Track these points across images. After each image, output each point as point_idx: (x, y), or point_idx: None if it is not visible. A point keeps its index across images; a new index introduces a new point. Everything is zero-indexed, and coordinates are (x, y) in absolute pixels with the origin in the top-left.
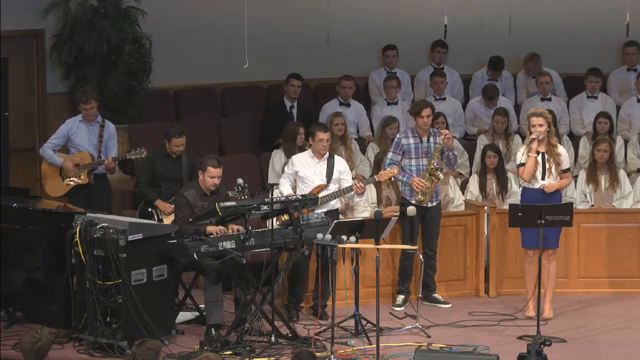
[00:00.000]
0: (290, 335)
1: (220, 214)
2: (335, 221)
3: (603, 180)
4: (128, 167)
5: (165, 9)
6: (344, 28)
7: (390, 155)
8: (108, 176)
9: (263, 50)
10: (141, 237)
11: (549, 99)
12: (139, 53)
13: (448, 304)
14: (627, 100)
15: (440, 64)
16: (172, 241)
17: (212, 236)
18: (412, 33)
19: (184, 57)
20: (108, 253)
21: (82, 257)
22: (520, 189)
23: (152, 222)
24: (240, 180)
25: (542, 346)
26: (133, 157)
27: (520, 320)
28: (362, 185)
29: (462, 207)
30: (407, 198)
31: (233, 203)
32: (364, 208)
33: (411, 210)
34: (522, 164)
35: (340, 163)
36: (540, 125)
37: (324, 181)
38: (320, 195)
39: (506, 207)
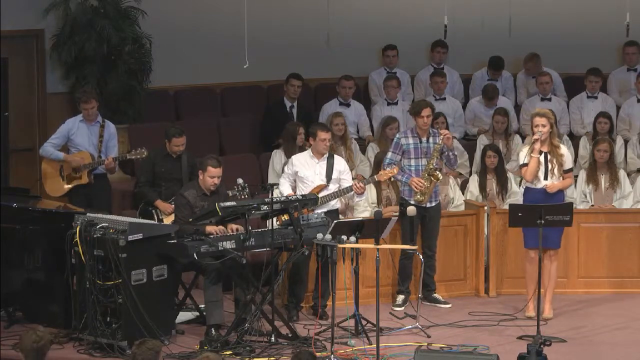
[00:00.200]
0: (290, 335)
1: (220, 214)
2: (335, 221)
3: (603, 180)
4: (128, 167)
5: (165, 9)
6: (344, 28)
7: (389, 155)
8: (108, 176)
9: (263, 50)
10: (141, 237)
11: (549, 99)
12: (139, 53)
13: (448, 304)
14: (627, 100)
15: (440, 64)
16: (172, 241)
17: (212, 236)
18: (412, 33)
19: (184, 57)
20: (108, 253)
21: (82, 257)
22: (521, 188)
23: (152, 222)
24: (240, 180)
25: (542, 346)
26: (133, 157)
27: (520, 320)
28: (362, 185)
29: (462, 207)
30: (406, 198)
31: (233, 203)
32: (364, 208)
33: (411, 210)
34: (525, 164)
35: (339, 163)
36: (543, 126)
37: (323, 181)
38: (320, 195)
39: (506, 207)
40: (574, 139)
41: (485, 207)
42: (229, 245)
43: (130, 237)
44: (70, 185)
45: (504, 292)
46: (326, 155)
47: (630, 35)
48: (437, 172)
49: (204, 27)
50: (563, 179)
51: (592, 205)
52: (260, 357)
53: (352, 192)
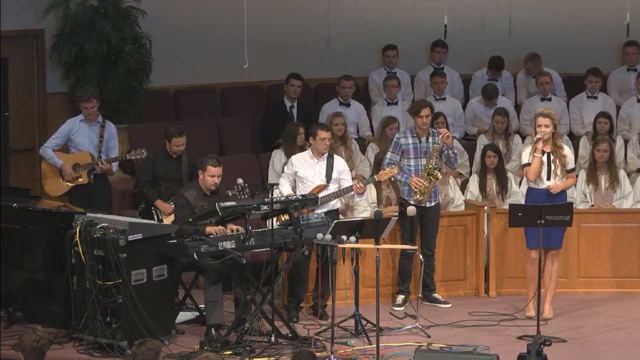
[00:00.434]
0: (290, 335)
1: (220, 214)
2: (335, 221)
3: (603, 180)
4: (128, 167)
5: (165, 9)
6: (344, 28)
7: (389, 155)
8: (108, 176)
9: (263, 50)
10: (141, 237)
11: (549, 99)
12: (139, 53)
13: (448, 304)
14: (627, 100)
15: (440, 64)
16: (172, 241)
17: (212, 236)
18: (412, 33)
19: (184, 57)
20: (108, 253)
21: (82, 257)
22: (521, 188)
23: (152, 222)
24: (240, 180)
25: (542, 346)
26: (133, 157)
27: (520, 320)
28: (362, 185)
29: (462, 207)
30: (406, 198)
31: (233, 203)
32: (364, 208)
33: (411, 210)
34: (528, 164)
35: (339, 163)
36: (547, 126)
37: (323, 181)
38: (320, 195)
39: (506, 207)
40: (574, 139)
41: (485, 207)
42: (229, 245)
43: (130, 237)
44: (69, 185)
45: (504, 292)
46: (326, 155)
47: (630, 35)
48: (437, 172)
49: (204, 27)
50: (566, 179)
51: (592, 205)
52: (260, 357)
53: (353, 192)
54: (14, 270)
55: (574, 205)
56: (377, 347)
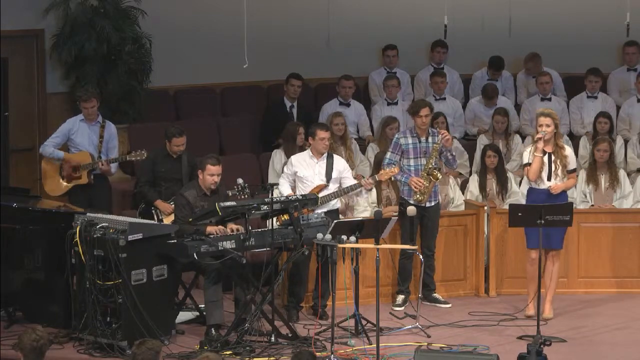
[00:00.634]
0: (290, 335)
1: (220, 213)
2: (335, 221)
3: (603, 180)
4: (128, 167)
5: (165, 9)
6: (344, 28)
7: (388, 155)
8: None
9: (263, 50)
10: (141, 237)
11: (549, 99)
12: (139, 53)
13: (448, 303)
14: (627, 100)
15: (440, 64)
16: (172, 241)
17: (212, 236)
18: (412, 33)
19: (184, 57)
20: (108, 253)
21: (82, 257)
22: (521, 188)
23: (152, 222)
24: (240, 180)
25: (542, 346)
26: (133, 158)
27: (520, 320)
28: (372, 181)
29: (462, 207)
30: (406, 198)
31: (233, 203)
32: (363, 208)
33: (411, 210)
34: (528, 164)
35: (339, 162)
36: (548, 126)
37: (323, 181)
38: (320, 195)
39: (506, 207)
40: (574, 139)
41: (485, 207)
42: (229, 245)
43: (130, 237)
44: (69, 185)
45: (504, 292)
46: (326, 155)
47: (630, 35)
48: (436, 172)
49: (204, 27)
50: (567, 179)
51: (592, 205)
52: (260, 357)
53: (359, 189)
54: (14, 270)
55: (574, 205)
56: (377, 347)
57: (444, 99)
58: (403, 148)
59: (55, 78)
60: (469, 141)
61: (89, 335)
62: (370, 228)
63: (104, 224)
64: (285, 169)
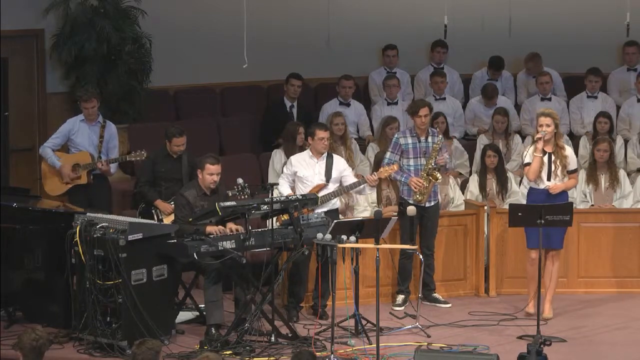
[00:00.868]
0: (290, 335)
1: (220, 213)
2: (335, 221)
3: (603, 180)
4: (128, 167)
5: (165, 9)
6: (344, 28)
7: (388, 155)
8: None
9: (263, 50)
10: (141, 237)
11: (549, 99)
12: (139, 53)
13: (448, 303)
14: (627, 100)
15: (440, 63)
16: (172, 241)
17: (212, 236)
18: (412, 33)
19: (184, 57)
20: (108, 253)
21: (82, 257)
22: (521, 188)
23: (152, 222)
24: (240, 180)
25: (542, 346)
26: (133, 159)
27: (520, 320)
28: (375, 177)
29: (462, 207)
30: (405, 198)
31: (233, 203)
32: (363, 208)
33: (411, 210)
34: (528, 164)
35: (339, 162)
36: (548, 126)
37: (323, 180)
38: (320, 194)
39: (506, 207)
40: (574, 139)
41: (485, 207)
42: (229, 245)
43: (130, 237)
44: (69, 185)
45: (504, 292)
46: (325, 155)
47: (630, 35)
48: (436, 172)
49: (204, 27)
50: (567, 179)
51: (592, 205)
52: (260, 357)
53: (362, 186)
54: (14, 270)
55: (574, 205)
56: (377, 347)
57: (444, 99)
58: (403, 148)
59: (55, 78)
60: (469, 141)
61: (89, 335)
62: (370, 228)
63: (104, 224)
64: (284, 169)
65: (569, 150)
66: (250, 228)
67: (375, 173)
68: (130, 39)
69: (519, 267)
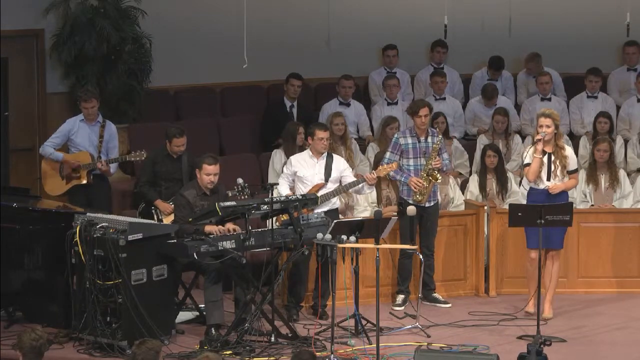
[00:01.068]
0: (290, 335)
1: (220, 213)
2: (335, 221)
3: (603, 180)
4: (128, 167)
5: (165, 9)
6: (344, 28)
7: (388, 155)
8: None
9: (263, 50)
10: (141, 237)
11: (549, 99)
12: (139, 53)
13: (448, 303)
14: (627, 100)
15: (440, 63)
16: (172, 241)
17: (211, 236)
18: (412, 33)
19: (184, 57)
20: (108, 253)
21: (82, 257)
22: (521, 188)
23: (152, 222)
24: (240, 180)
25: (542, 346)
26: (133, 159)
27: (520, 320)
28: (374, 176)
29: (462, 207)
30: (405, 198)
31: (233, 203)
32: (363, 208)
33: (411, 210)
34: (528, 164)
35: (339, 162)
36: (548, 127)
37: (322, 180)
38: (320, 193)
39: (506, 207)
40: (574, 139)
41: (485, 207)
42: (229, 245)
43: (130, 237)
44: (69, 185)
45: (504, 292)
46: (325, 155)
47: (630, 35)
48: (436, 173)
49: (204, 27)
50: (567, 179)
51: (592, 205)
52: (260, 357)
53: (362, 184)
54: (14, 270)
55: (574, 205)
56: (377, 347)
57: (444, 99)
58: (402, 148)
59: (55, 78)
60: (469, 141)
61: (89, 335)
62: (370, 228)
63: (104, 224)
64: (284, 169)
65: (569, 151)
66: (250, 228)
67: (374, 171)
68: (130, 39)
69: (519, 267)
